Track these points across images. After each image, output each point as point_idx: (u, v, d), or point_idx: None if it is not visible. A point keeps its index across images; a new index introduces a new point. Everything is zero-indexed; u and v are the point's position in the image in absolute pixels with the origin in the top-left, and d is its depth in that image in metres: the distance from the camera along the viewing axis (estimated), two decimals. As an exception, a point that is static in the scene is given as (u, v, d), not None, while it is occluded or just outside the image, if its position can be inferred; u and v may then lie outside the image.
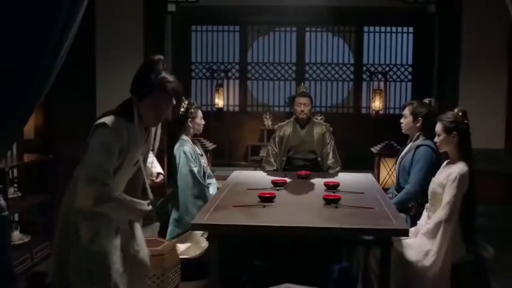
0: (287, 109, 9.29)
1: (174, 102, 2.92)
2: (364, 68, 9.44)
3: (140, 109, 2.87)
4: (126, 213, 2.95)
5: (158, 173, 3.49)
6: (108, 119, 2.80)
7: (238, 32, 9.51)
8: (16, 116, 2.77)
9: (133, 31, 6.47)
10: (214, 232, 3.53)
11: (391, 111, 9.29)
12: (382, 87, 9.29)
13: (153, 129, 3.11)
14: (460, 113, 3.83)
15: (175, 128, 5.07)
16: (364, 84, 9.50)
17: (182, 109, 4.88)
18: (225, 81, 9.45)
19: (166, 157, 5.97)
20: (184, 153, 4.79)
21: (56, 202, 5.55)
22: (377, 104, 9.05)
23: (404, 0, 7.43)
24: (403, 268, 3.67)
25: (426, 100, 4.61)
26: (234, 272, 3.91)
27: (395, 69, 9.42)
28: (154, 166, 3.47)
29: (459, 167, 3.69)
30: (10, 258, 2.80)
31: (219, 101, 9.25)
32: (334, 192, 4.23)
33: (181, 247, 4.58)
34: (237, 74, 9.53)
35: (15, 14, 2.65)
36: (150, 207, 2.98)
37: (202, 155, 5.12)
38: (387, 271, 3.44)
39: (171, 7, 6.78)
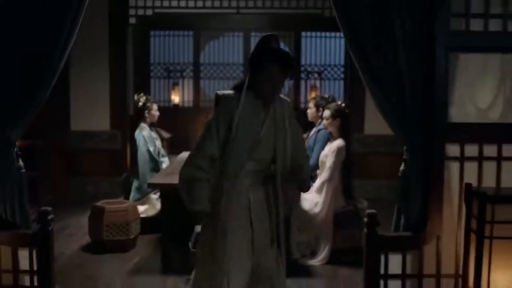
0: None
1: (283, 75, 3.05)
2: (302, 68, 10.61)
3: (256, 83, 3.06)
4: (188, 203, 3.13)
5: None
6: (222, 91, 3.17)
7: (191, 37, 10.60)
8: (31, 110, 3.83)
9: (100, 40, 7.62)
10: (163, 188, 4.94)
11: (328, 107, 10.63)
12: (318, 85, 10.59)
13: (281, 110, 3.19)
14: (342, 104, 5.30)
15: (136, 118, 6.44)
16: (302, 82, 10.70)
17: (140, 103, 6.27)
18: (180, 80, 10.60)
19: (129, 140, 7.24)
20: (143, 136, 6.18)
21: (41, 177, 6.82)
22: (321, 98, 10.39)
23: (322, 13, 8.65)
24: (300, 214, 5.11)
25: (326, 95, 6.08)
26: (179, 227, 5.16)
27: (329, 69, 10.60)
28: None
29: (338, 142, 5.16)
30: (27, 204, 4.06)
31: (175, 98, 10.42)
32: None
33: (140, 208, 5.92)
34: (191, 74, 10.64)
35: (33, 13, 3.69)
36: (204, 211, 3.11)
37: (157, 139, 6.50)
38: (288, 216, 4.83)
39: (132, 20, 7.89)
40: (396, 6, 3.72)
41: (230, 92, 3.15)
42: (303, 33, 10.66)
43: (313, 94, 10.26)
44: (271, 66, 2.99)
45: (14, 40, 3.79)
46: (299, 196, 3.35)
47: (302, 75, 10.70)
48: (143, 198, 6.06)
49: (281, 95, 3.23)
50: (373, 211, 3.96)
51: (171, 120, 9.66)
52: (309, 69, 10.72)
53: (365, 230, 3.92)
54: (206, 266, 3.13)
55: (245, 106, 3.05)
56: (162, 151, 6.55)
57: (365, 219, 3.92)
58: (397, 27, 3.74)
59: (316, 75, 10.71)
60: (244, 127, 3.06)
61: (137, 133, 6.23)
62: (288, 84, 10.67)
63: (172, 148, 8.39)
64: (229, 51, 10.77)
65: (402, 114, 3.82)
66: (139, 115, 6.36)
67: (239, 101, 3.05)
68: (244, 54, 10.71)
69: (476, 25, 3.86)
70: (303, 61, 10.68)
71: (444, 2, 3.77)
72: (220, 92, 3.16)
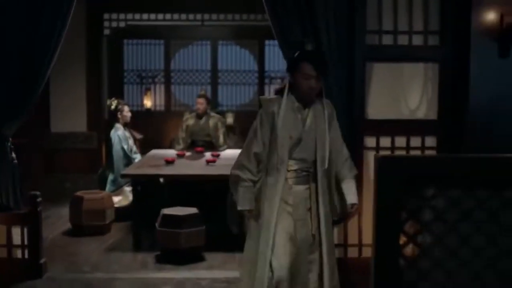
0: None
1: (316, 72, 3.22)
2: (266, 74, 11.37)
3: (294, 85, 3.30)
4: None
5: (352, 204, 3.53)
6: (264, 96, 3.45)
7: (163, 45, 11.25)
8: (27, 109, 4.62)
9: (77, 51, 8.22)
10: (135, 178, 5.75)
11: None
12: (280, 89, 11.45)
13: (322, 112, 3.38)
14: None
15: (111, 119, 7.24)
16: (266, 87, 11.44)
17: (112, 107, 7.08)
18: (152, 85, 11.26)
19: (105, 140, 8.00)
20: (118, 136, 7.00)
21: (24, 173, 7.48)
22: (280, 103, 11.20)
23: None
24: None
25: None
26: (148, 210, 5.92)
27: (291, 75, 11.51)
28: (348, 193, 3.50)
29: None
30: (19, 188, 4.81)
31: (148, 102, 11.05)
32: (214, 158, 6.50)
33: (115, 199, 6.69)
34: (162, 80, 11.29)
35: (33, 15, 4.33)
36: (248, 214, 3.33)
37: (130, 138, 7.31)
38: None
39: (106, 32, 8.67)
40: (324, 23, 4.57)
41: (273, 97, 3.40)
42: (267, 42, 11.30)
43: (276, 98, 11.07)
44: (304, 65, 3.22)
45: (14, 40, 4.42)
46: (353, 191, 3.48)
47: (266, 80, 11.43)
48: (117, 190, 6.86)
49: (325, 99, 3.43)
50: (306, 192, 4.83)
51: (144, 123, 10.26)
52: (272, 74, 11.43)
53: (300, 208, 4.78)
54: (251, 262, 3.42)
55: (286, 108, 3.26)
56: (135, 149, 7.35)
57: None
58: (324, 41, 4.58)
59: (279, 80, 11.42)
60: (285, 128, 3.25)
61: (112, 132, 7.05)
62: (253, 88, 11.48)
63: (144, 148, 9.06)
64: (198, 58, 11.43)
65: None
66: (114, 117, 7.18)
67: (279, 104, 3.29)
68: (212, 61, 11.44)
69: (388, 39, 4.75)
70: (266, 68, 11.39)
71: (361, 21, 4.65)
72: (263, 97, 3.44)
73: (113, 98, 7.33)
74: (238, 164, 3.35)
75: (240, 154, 3.37)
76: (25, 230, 4.71)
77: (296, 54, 3.31)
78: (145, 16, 8.67)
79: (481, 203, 1.53)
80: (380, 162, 1.52)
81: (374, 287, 1.52)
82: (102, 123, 8.51)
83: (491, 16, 4.54)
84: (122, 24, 8.66)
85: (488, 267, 1.58)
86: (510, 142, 4.55)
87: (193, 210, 5.33)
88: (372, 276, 1.49)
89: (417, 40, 4.75)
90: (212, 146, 7.65)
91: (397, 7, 4.72)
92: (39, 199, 4.71)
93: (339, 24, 4.59)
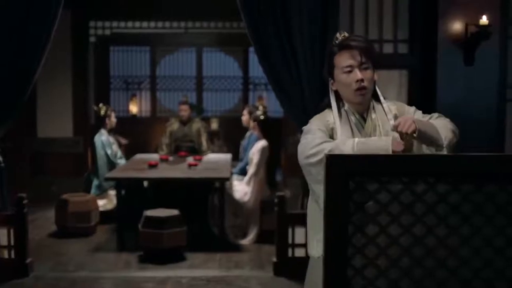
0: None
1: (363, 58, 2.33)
2: (250, 80, 11.68)
3: (338, 89, 2.43)
4: None
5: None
6: (312, 119, 2.45)
7: (148, 52, 11.53)
8: (14, 112, 4.84)
9: (64, 58, 8.36)
10: (119, 181, 5.94)
11: (271, 114, 11.63)
12: (264, 95, 11.66)
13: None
14: (258, 112, 6.40)
15: (97, 124, 7.43)
16: (250, 93, 11.76)
17: (102, 112, 7.27)
18: (138, 91, 11.55)
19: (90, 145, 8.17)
20: (102, 141, 7.19)
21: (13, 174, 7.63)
22: (261, 108, 11.45)
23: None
24: (233, 203, 6.16)
25: (257, 104, 7.16)
26: (132, 217, 6.07)
27: (274, 80, 11.74)
28: None
29: (262, 143, 6.25)
30: (6, 190, 5.00)
31: (134, 108, 11.31)
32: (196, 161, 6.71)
33: (100, 202, 6.87)
34: (148, 86, 11.59)
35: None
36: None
37: (114, 144, 7.49)
38: (223, 204, 5.91)
39: (92, 39, 8.93)
40: (299, 36, 4.80)
41: (321, 114, 2.46)
42: (251, 48, 11.46)
43: (260, 104, 11.31)
44: (338, 57, 2.38)
45: (3, 43, 4.54)
46: None
47: (250, 86, 11.73)
48: (102, 194, 7.05)
49: (389, 101, 2.55)
50: (282, 193, 5.05)
51: (130, 129, 10.41)
52: (256, 81, 11.72)
53: (276, 209, 5.00)
54: None
55: (342, 122, 2.41)
56: (119, 154, 7.54)
57: (276, 200, 5.00)
58: (299, 52, 4.81)
59: (262, 86, 11.71)
60: None
61: (96, 137, 7.25)
62: (237, 94, 11.71)
63: (130, 153, 9.22)
64: (183, 65, 11.72)
65: (301, 111, 4.89)
66: (101, 122, 7.38)
67: (330, 118, 2.42)
68: (197, 68, 11.71)
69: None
70: (251, 74, 11.70)
71: (334, 31, 4.86)
72: (311, 121, 2.45)
73: (101, 104, 7.51)
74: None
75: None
76: (12, 231, 4.88)
77: (331, 47, 2.46)
78: (129, 24, 8.87)
79: (418, 196, 1.74)
80: (327, 159, 1.75)
81: (325, 271, 1.71)
82: (88, 128, 8.67)
83: (456, 26, 4.79)
84: (107, 32, 8.87)
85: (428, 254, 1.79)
86: (475, 144, 4.79)
87: (174, 212, 5.52)
88: (323, 259, 1.69)
89: (388, 48, 5.00)
90: (196, 151, 7.85)
91: (368, 17, 4.97)
92: (25, 201, 4.89)
93: (313, 33, 4.82)
